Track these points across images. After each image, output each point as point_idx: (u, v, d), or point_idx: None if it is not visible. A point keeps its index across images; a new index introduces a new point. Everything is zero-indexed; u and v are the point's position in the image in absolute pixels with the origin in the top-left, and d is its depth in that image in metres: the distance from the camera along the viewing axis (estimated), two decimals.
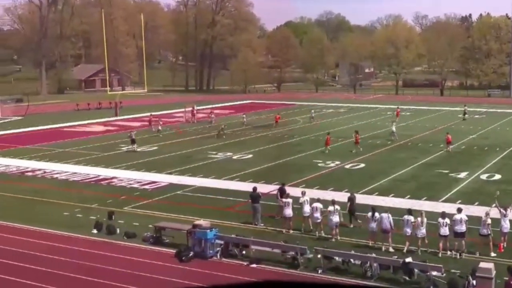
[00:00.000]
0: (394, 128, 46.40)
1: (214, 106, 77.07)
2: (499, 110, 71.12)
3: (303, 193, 23.45)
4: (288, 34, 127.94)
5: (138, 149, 41.94)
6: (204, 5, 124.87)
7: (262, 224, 23.60)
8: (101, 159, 39.44)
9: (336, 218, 21.69)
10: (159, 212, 25.61)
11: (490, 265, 17.14)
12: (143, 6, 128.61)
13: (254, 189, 24.46)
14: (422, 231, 20.15)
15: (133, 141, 42.19)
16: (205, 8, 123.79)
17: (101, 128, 57.17)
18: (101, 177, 33.34)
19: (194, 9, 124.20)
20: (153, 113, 57.77)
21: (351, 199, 23.97)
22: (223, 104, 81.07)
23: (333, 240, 21.56)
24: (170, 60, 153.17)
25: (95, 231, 23.00)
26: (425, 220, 20.32)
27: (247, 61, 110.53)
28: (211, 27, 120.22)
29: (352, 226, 23.40)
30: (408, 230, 20.41)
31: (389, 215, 20.96)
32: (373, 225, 21.02)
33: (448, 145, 40.62)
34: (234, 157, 39.51)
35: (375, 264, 18.39)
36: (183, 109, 64.41)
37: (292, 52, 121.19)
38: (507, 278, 16.85)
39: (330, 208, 21.82)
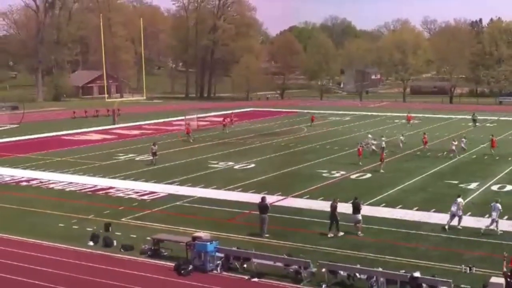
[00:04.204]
0: (402, 138, 46.38)
1: (215, 114, 77.38)
2: (511, 118, 71.03)
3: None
4: (291, 39, 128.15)
5: (137, 158, 41.86)
6: (205, 9, 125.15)
7: (267, 235, 23.60)
8: (99, 168, 39.46)
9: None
10: (157, 223, 25.55)
11: (502, 280, 16.99)
12: (143, 11, 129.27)
13: (263, 199, 24.54)
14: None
15: (154, 154, 40.45)
16: (206, 13, 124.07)
17: (98, 136, 57.25)
18: (98, 187, 33.34)
19: (195, 13, 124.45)
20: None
21: (333, 207, 24.01)
22: (224, 112, 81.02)
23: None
24: (170, 66, 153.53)
25: (91, 243, 22.94)
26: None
27: (249, 67, 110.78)
28: (212, 32, 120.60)
29: (331, 235, 23.59)
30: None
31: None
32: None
33: (425, 146, 44.61)
34: (236, 167, 39.49)
35: (381, 279, 18.26)
36: (183, 117, 64.49)
37: (296, 58, 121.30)
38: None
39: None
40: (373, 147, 43.59)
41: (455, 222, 24.44)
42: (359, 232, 23.84)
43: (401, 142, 45.76)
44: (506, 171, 37.19)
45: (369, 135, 46.76)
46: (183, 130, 59.33)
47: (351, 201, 25.00)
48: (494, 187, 32.40)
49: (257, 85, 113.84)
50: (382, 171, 36.98)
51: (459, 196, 25.01)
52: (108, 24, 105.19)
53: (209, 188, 32.75)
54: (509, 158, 41.16)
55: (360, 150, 39.88)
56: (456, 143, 42.84)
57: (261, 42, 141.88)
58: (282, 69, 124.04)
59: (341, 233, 23.80)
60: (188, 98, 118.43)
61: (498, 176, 35.34)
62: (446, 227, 24.26)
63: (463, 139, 45.36)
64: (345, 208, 25.15)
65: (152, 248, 21.73)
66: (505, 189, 31.93)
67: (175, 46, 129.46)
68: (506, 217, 25.98)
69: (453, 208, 24.35)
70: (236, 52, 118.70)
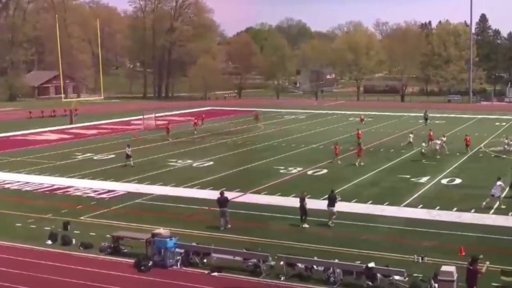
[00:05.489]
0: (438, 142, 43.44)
1: (173, 113, 77.07)
2: (458, 116, 73.03)
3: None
4: (248, 40, 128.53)
5: (101, 156, 41.13)
6: (163, 11, 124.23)
7: (229, 226, 23.90)
8: (56, 168, 38.66)
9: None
10: (117, 221, 25.21)
11: (452, 268, 17.43)
12: (99, 12, 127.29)
13: (222, 193, 24.81)
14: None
15: (127, 156, 38.90)
16: (163, 14, 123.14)
17: (55, 136, 56.10)
18: (55, 187, 32.66)
19: (152, 15, 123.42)
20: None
21: (301, 199, 24.60)
22: (182, 111, 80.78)
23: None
24: (127, 66, 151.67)
25: (49, 242, 22.46)
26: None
27: (206, 68, 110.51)
28: (169, 34, 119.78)
29: (302, 226, 24.25)
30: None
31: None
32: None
33: (359, 140, 46.08)
34: (194, 165, 39.33)
35: (338, 270, 18.52)
36: (141, 116, 63.89)
37: (252, 58, 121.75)
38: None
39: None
40: (438, 147, 42.36)
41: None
42: (330, 222, 24.50)
43: (437, 145, 43.17)
44: (455, 165, 38.20)
45: (410, 134, 46.59)
46: (140, 129, 59.06)
47: (308, 196, 25.22)
48: (444, 181, 33.24)
49: (214, 85, 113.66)
50: (362, 163, 37.89)
51: (499, 179, 27.23)
52: (64, 25, 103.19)
53: (168, 185, 32.54)
54: (457, 153, 42.26)
55: (337, 148, 39.93)
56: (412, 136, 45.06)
57: (218, 43, 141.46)
58: (239, 69, 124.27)
59: (306, 226, 24.27)
60: (146, 98, 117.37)
61: (448, 170, 36.26)
62: (483, 205, 26.67)
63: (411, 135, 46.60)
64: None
65: (112, 245, 21.47)
66: (454, 183, 32.80)
67: (132, 46, 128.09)
68: (455, 208, 26.76)
69: (494, 191, 26.65)
70: (193, 53, 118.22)
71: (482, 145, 46.72)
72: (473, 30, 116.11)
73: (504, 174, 31.21)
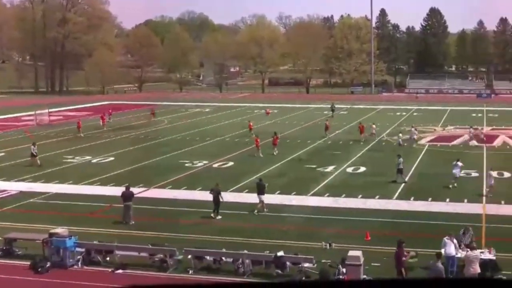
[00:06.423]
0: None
1: (68, 108, 74.60)
2: (361, 106, 76.02)
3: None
4: (148, 32, 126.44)
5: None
6: (53, 1, 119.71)
7: (132, 222, 23.60)
8: None
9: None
10: (9, 222, 24.01)
11: (358, 253, 18.17)
12: None
13: (127, 187, 24.61)
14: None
15: (33, 155, 36.45)
16: (54, 5, 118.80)
17: None
18: None
19: (41, 5, 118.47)
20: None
21: (216, 191, 24.74)
22: (78, 106, 78.28)
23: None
24: (15, 59, 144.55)
25: None
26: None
27: (103, 61, 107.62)
28: (61, 25, 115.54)
29: (216, 218, 24.47)
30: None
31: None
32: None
33: (251, 131, 48.09)
34: (93, 161, 38.25)
35: (247, 261, 18.74)
36: (32, 112, 61.21)
37: (153, 51, 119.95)
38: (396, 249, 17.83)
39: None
40: (415, 136, 43.49)
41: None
42: (265, 210, 25.18)
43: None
44: (359, 154, 39.74)
45: (373, 125, 47.19)
46: (32, 126, 56.66)
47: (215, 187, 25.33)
48: (349, 169, 34.50)
49: (112, 79, 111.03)
50: (276, 152, 39.42)
51: (458, 160, 29.97)
52: None
53: (65, 183, 31.43)
54: (361, 142, 43.96)
55: (257, 141, 40.04)
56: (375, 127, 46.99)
57: (116, 35, 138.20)
58: (139, 62, 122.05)
59: (219, 217, 24.41)
60: (38, 93, 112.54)
61: (352, 160, 37.66)
62: (450, 186, 28.85)
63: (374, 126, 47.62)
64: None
65: (4, 248, 20.46)
66: (359, 171, 34.15)
67: (20, 38, 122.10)
68: (360, 195, 27.85)
69: (455, 171, 29.15)
70: (89, 45, 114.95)
71: (384, 134, 48.90)
72: (373, 24, 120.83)
73: (404, 161, 32.71)
